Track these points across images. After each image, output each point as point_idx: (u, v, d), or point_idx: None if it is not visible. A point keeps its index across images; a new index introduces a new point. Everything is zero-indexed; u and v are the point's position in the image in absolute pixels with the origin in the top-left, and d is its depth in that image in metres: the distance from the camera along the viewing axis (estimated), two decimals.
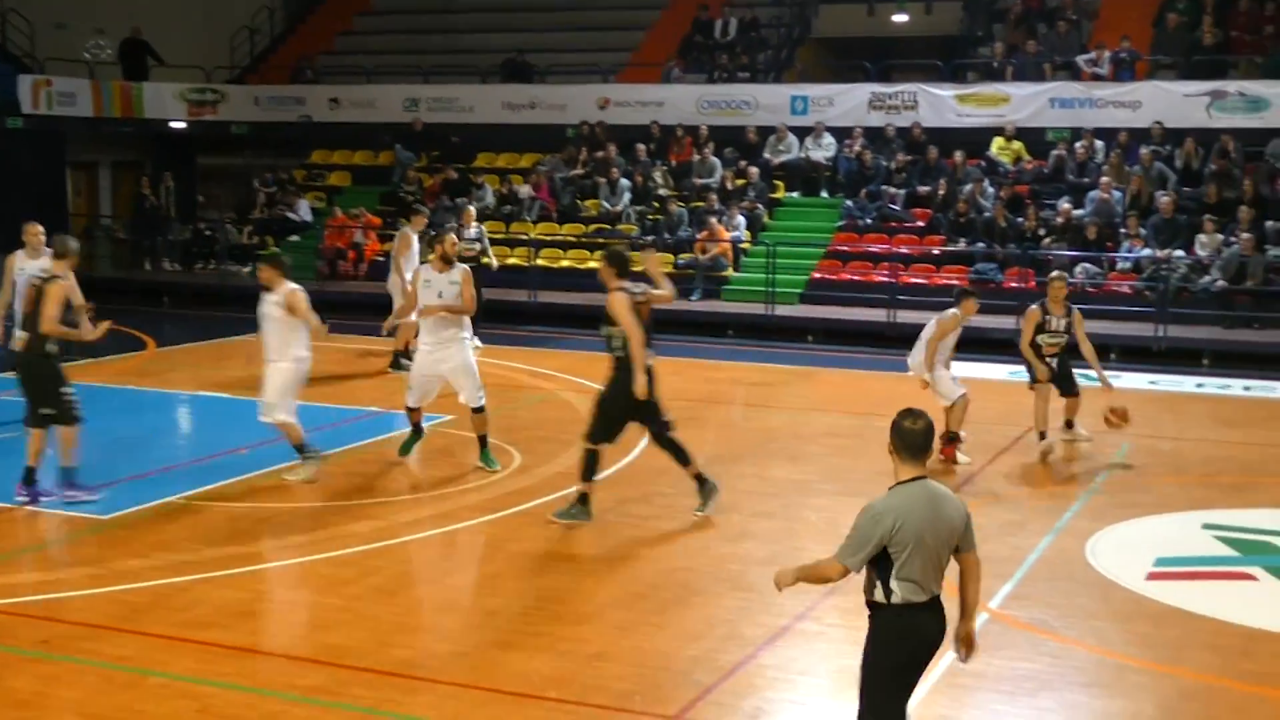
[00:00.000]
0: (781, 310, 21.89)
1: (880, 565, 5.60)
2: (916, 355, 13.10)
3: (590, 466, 10.77)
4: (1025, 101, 24.02)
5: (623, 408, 10.59)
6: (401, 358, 16.99)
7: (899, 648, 5.69)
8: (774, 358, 19.57)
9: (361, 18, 32.96)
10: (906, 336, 20.25)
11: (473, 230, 19.39)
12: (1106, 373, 13.33)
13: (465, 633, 8.41)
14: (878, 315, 20.97)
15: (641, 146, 25.84)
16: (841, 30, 28.55)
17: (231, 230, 27.65)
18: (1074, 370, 13.33)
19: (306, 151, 29.97)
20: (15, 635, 8.36)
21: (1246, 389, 16.57)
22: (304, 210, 27.48)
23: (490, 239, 25.04)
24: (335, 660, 7.94)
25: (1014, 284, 21.19)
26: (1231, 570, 9.86)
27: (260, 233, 27.31)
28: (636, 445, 13.56)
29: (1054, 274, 13.58)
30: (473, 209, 20.50)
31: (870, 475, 12.41)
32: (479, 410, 12.33)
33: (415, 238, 17.72)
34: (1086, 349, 13.22)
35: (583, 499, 10.74)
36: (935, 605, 5.69)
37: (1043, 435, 13.09)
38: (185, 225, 28.61)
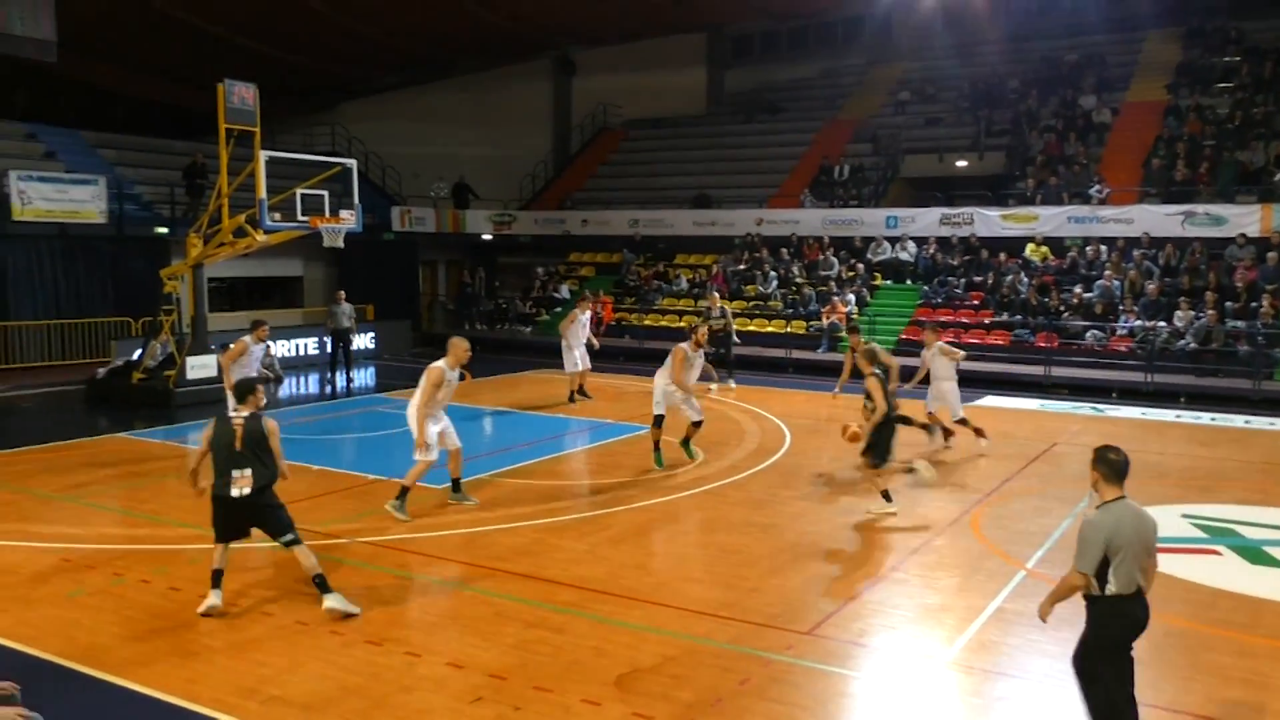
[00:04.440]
0: None
1: (1099, 566, 4.99)
2: None
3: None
4: (1050, 219, 23.02)
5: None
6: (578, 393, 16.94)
7: (1111, 629, 5.03)
8: None
9: (603, 166, 33.48)
10: (964, 378, 19.72)
11: (717, 310, 19.25)
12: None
13: (665, 570, 8.38)
14: None
15: (785, 250, 25.61)
16: (920, 171, 27.84)
17: (519, 304, 28.26)
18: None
19: (566, 253, 30.52)
20: (380, 559, 8.57)
21: (1213, 419, 15.51)
22: (565, 291, 27.99)
23: (681, 310, 25.30)
24: (582, 585, 7.99)
25: (1042, 344, 20.31)
26: (1202, 547, 9.22)
27: (537, 306, 27.94)
28: (780, 448, 13.43)
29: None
30: (716, 294, 19.98)
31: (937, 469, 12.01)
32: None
33: (583, 315, 16.90)
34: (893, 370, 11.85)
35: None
36: (1140, 597, 5.01)
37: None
38: (490, 300, 29.41)
